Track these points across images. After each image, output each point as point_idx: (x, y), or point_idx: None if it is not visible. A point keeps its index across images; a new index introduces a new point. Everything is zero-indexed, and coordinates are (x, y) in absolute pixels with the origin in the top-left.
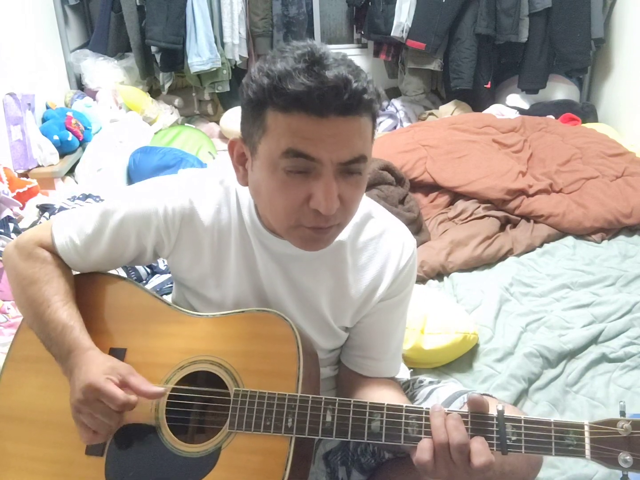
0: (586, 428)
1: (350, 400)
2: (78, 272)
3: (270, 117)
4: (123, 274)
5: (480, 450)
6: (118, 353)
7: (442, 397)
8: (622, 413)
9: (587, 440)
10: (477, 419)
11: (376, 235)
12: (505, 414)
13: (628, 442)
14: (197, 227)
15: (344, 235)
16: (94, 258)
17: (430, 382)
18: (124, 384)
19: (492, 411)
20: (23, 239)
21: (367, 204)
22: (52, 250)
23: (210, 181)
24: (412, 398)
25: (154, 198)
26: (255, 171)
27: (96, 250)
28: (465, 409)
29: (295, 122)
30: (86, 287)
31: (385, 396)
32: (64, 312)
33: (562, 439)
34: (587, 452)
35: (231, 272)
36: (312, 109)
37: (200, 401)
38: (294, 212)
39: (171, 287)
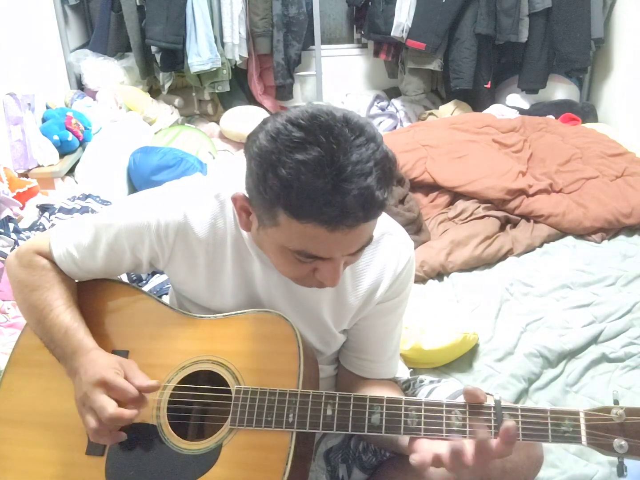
0: (581, 415)
1: (350, 395)
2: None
3: (282, 217)
4: (123, 274)
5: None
6: (120, 355)
7: (442, 396)
8: (616, 401)
9: (582, 427)
10: (475, 408)
11: (374, 240)
12: (502, 404)
13: (622, 428)
14: (191, 242)
15: None
16: (92, 270)
17: (431, 382)
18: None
19: (490, 403)
20: (22, 248)
21: None
22: (50, 258)
23: (205, 194)
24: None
25: (147, 212)
26: (261, 235)
27: (93, 263)
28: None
29: (309, 231)
30: (87, 291)
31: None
32: (67, 316)
33: (558, 426)
34: (583, 438)
35: (228, 286)
36: (330, 226)
37: (202, 399)
38: (301, 279)
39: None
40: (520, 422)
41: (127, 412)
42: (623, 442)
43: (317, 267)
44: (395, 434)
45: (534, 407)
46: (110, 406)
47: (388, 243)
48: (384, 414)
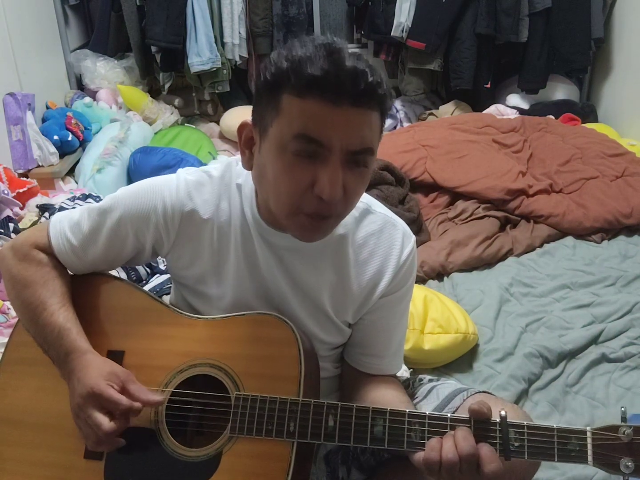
0: (588, 434)
1: (352, 405)
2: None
3: (286, 100)
4: (123, 274)
5: (490, 457)
6: (116, 355)
7: (441, 394)
8: (624, 419)
9: (589, 447)
10: (480, 424)
11: (376, 230)
12: (508, 420)
13: (630, 448)
14: (196, 223)
15: (344, 229)
16: (91, 258)
17: (430, 380)
18: (123, 391)
19: (495, 413)
20: (19, 241)
21: (365, 199)
22: (48, 251)
23: (210, 176)
24: (411, 396)
25: (152, 195)
26: (262, 153)
27: (93, 250)
28: (465, 410)
29: (309, 107)
30: (83, 288)
31: (386, 395)
32: (61, 315)
33: (564, 445)
34: (590, 458)
35: (231, 268)
36: (328, 95)
37: (201, 405)
38: (297, 197)
39: (171, 286)
40: (526, 440)
41: (121, 426)
42: (630, 463)
43: (315, 178)
44: (399, 448)
45: (540, 424)
46: (104, 423)
47: (391, 233)
48: (387, 427)
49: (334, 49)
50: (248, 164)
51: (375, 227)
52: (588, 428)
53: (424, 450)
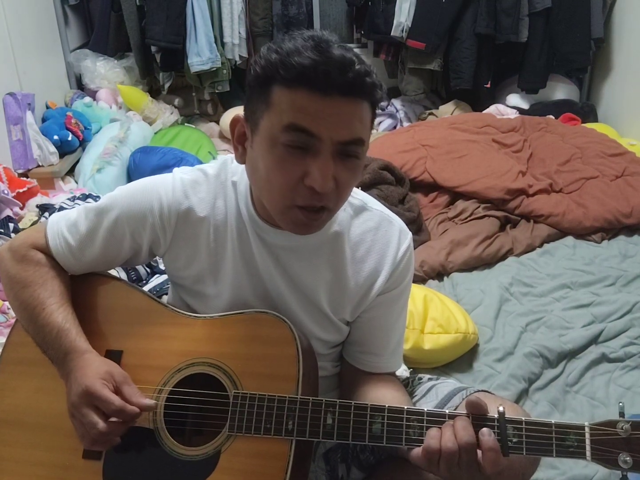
0: (586, 429)
1: (351, 403)
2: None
3: (276, 93)
4: (123, 274)
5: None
6: (114, 355)
7: (440, 393)
8: (622, 414)
9: (587, 442)
10: (478, 420)
11: (373, 227)
12: (506, 416)
13: (628, 443)
14: (193, 222)
15: (340, 226)
16: (89, 259)
17: (430, 379)
18: (117, 392)
19: (493, 410)
20: (16, 242)
21: (360, 196)
22: (46, 252)
23: (205, 175)
24: (410, 395)
25: (148, 195)
26: (254, 147)
27: (91, 251)
28: (464, 409)
29: (299, 98)
30: (82, 288)
31: (386, 393)
32: (59, 315)
33: (562, 441)
34: (588, 453)
35: (229, 267)
36: (316, 85)
37: (199, 404)
38: (290, 189)
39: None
40: (524, 436)
41: (116, 428)
42: (628, 458)
43: (307, 169)
44: (397, 444)
45: (538, 420)
46: (98, 422)
47: (387, 230)
48: (385, 424)
49: (321, 40)
50: (241, 159)
51: (372, 224)
52: (586, 423)
53: (421, 446)
